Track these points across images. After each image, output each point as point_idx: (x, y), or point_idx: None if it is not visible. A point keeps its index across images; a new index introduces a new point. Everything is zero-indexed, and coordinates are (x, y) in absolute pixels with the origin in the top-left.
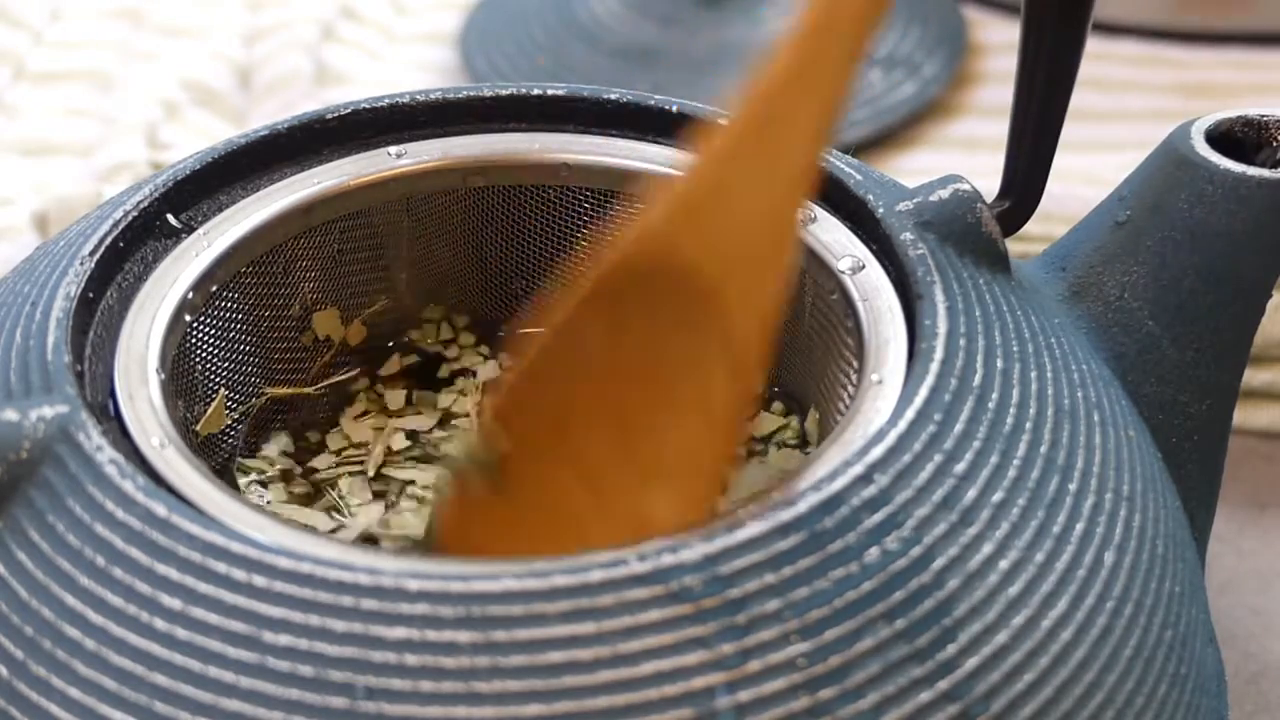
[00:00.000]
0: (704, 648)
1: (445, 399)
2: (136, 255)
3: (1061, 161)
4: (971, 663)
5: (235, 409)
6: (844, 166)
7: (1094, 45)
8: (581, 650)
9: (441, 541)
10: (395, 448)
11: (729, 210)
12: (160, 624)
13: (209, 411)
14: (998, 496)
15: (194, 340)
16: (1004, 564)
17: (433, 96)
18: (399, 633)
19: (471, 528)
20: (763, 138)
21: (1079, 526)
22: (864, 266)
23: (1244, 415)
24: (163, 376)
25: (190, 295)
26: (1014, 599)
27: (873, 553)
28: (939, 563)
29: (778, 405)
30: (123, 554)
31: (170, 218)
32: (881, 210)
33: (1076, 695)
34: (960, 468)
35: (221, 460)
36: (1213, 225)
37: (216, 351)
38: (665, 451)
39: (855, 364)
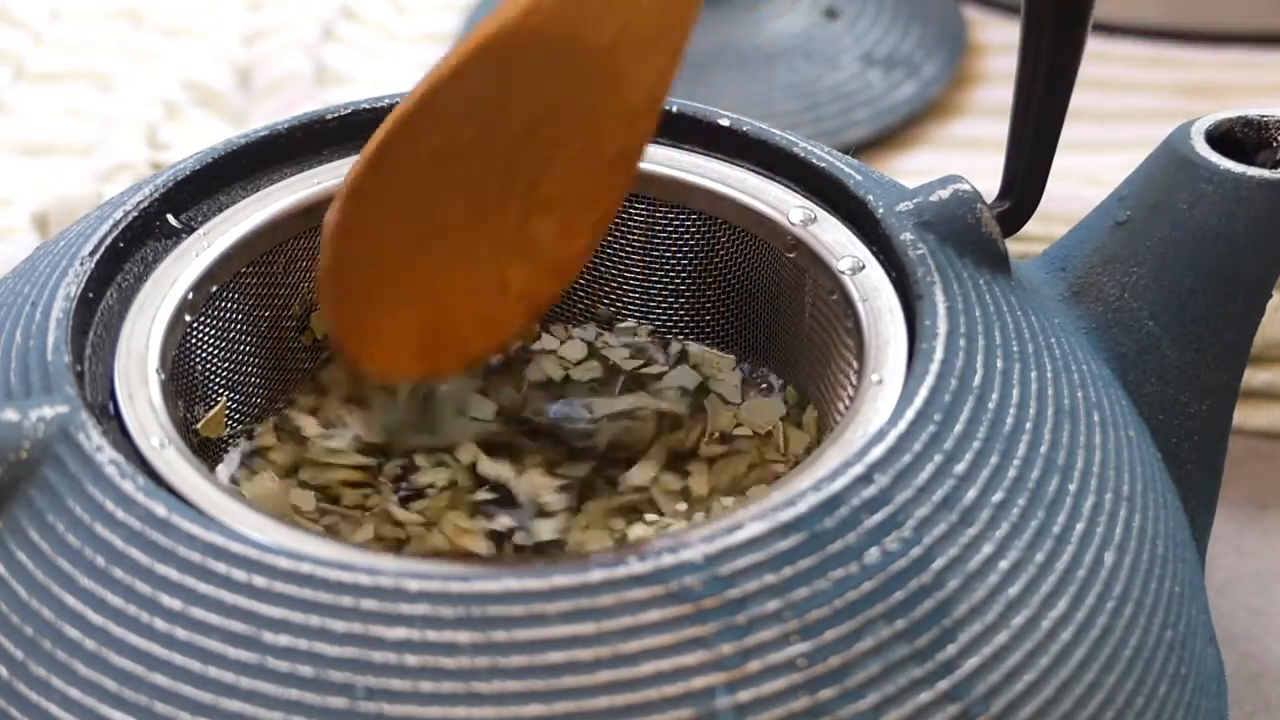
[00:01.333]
0: (704, 648)
1: None
2: (136, 255)
3: (1061, 161)
4: (971, 663)
5: (235, 411)
6: (844, 166)
7: (1094, 45)
8: (581, 650)
9: (334, 304)
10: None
11: None
12: (160, 624)
13: (210, 414)
14: (998, 497)
15: (194, 340)
16: (1004, 564)
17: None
18: (399, 633)
19: (363, 286)
20: None
21: (1079, 527)
22: (864, 267)
23: (1244, 415)
24: (163, 376)
25: (190, 295)
26: (1014, 599)
27: (873, 553)
28: (939, 563)
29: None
30: (123, 554)
31: (170, 218)
32: (881, 210)
33: (1076, 695)
34: (960, 468)
35: (220, 458)
36: (1213, 225)
37: (217, 352)
38: (553, 188)
39: (855, 364)
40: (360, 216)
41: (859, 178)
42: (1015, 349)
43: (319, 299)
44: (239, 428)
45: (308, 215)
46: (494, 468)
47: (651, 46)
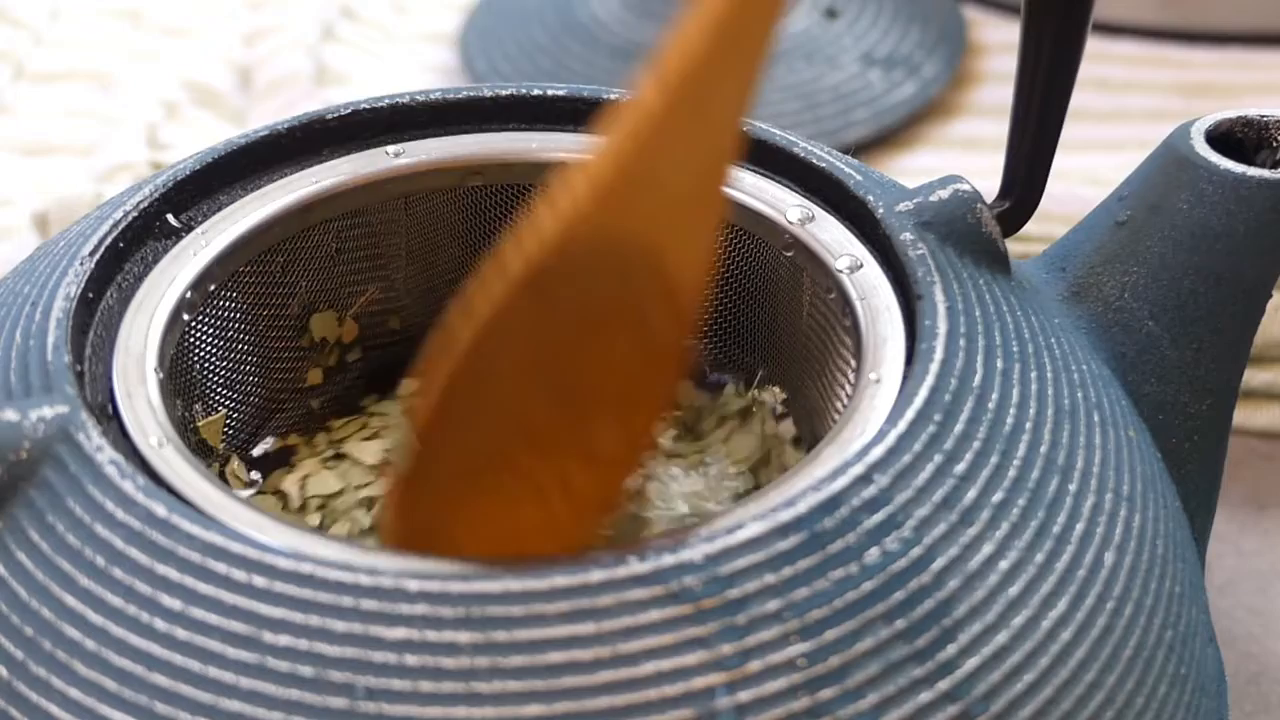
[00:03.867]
0: (704, 648)
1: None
2: (136, 255)
3: (1061, 161)
4: (971, 663)
5: (233, 412)
6: (844, 166)
7: (1094, 45)
8: (581, 650)
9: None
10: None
11: (659, 183)
12: (160, 624)
13: (209, 420)
14: (998, 497)
15: (192, 339)
16: (1004, 564)
17: (433, 96)
18: (399, 633)
19: (423, 518)
20: (687, 108)
21: (1079, 527)
22: (861, 265)
23: (1244, 415)
24: (161, 375)
25: (189, 294)
26: (1014, 599)
27: (873, 553)
28: (939, 563)
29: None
30: (123, 554)
31: (170, 218)
32: (881, 210)
33: (1076, 695)
34: (960, 468)
35: (217, 457)
36: (1213, 225)
37: (215, 351)
38: (606, 392)
39: (853, 363)
40: (428, 447)
41: (859, 177)
42: (1015, 349)
43: (387, 505)
44: (238, 427)
45: (306, 214)
46: None
47: (694, 230)
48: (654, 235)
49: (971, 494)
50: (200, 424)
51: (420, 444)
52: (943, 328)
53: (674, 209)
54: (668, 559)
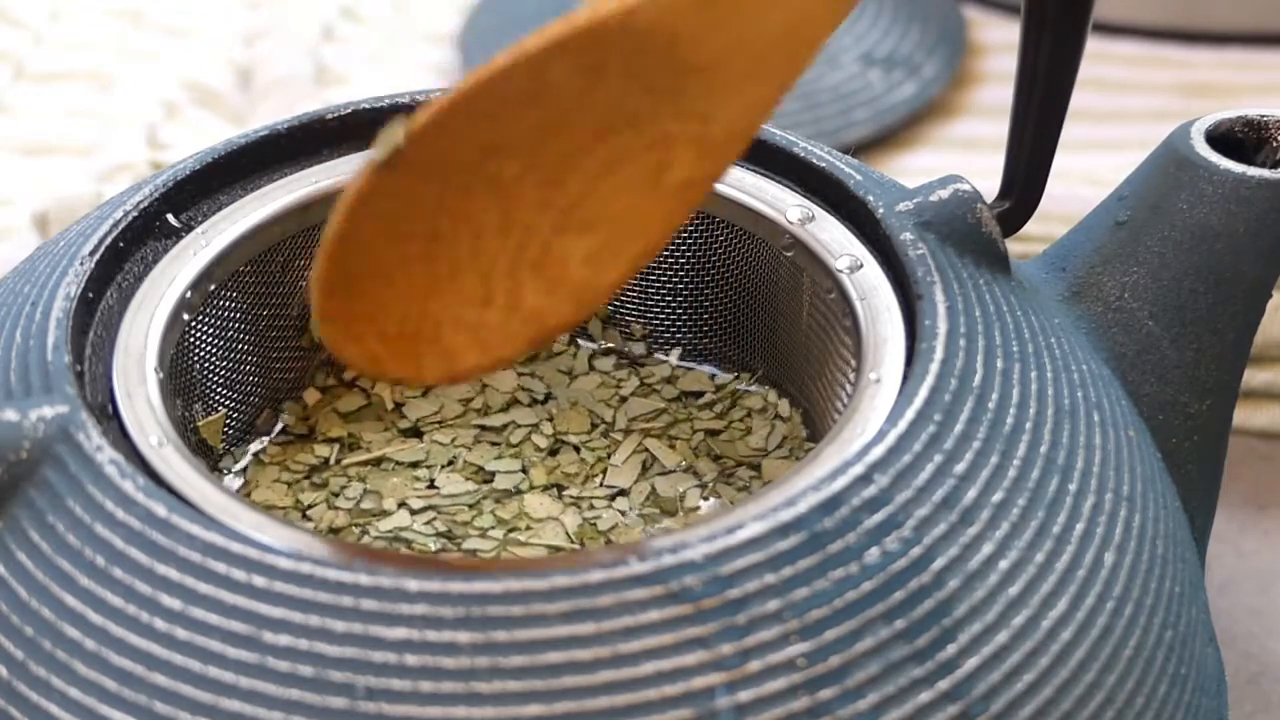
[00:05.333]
0: (704, 648)
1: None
2: (136, 255)
3: (1061, 161)
4: (971, 663)
5: (233, 412)
6: (844, 166)
7: (1094, 45)
8: (581, 651)
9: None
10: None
11: (739, 9)
12: (160, 624)
13: (209, 419)
14: (998, 497)
15: (192, 339)
16: (1004, 564)
17: (433, 96)
18: (399, 633)
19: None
20: None
21: (1079, 527)
22: (861, 265)
23: (1244, 415)
24: (161, 375)
25: (189, 294)
26: (1014, 599)
27: (873, 553)
28: (939, 563)
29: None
30: (123, 554)
31: (170, 218)
32: (881, 210)
33: (1076, 695)
34: (960, 468)
35: (216, 456)
36: (1213, 225)
37: (215, 351)
38: (599, 209)
39: (853, 363)
40: (382, 192)
41: (859, 177)
42: (1015, 349)
43: (311, 274)
44: (238, 427)
45: (306, 214)
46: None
47: (755, 77)
48: (716, 51)
49: (971, 494)
50: (200, 424)
51: (387, 178)
52: (943, 328)
53: (746, 37)
54: (668, 559)
